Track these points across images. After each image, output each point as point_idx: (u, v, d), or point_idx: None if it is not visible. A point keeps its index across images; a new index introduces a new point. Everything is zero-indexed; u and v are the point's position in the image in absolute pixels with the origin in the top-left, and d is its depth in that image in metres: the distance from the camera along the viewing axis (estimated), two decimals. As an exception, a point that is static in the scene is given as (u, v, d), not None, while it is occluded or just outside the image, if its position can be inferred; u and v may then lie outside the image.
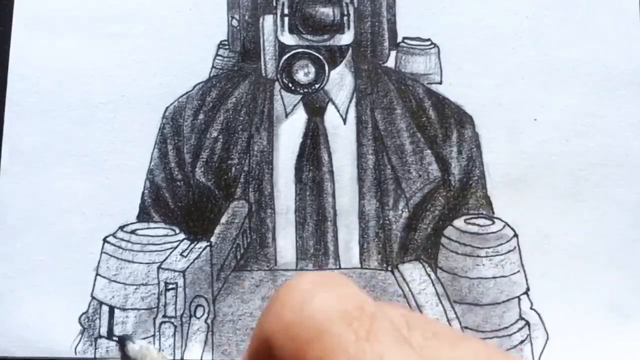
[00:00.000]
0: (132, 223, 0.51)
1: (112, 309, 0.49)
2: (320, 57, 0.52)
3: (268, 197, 0.52)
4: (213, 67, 0.53)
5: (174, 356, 0.49)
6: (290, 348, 0.23)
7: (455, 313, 0.50)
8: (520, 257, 0.51)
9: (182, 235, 0.51)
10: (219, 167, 0.52)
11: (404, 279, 0.50)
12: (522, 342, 0.50)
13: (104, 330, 0.49)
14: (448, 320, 0.49)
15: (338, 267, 0.51)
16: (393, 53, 0.54)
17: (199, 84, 0.53)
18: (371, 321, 0.23)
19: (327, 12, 0.53)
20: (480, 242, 0.51)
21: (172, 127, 0.52)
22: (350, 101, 0.53)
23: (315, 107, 0.53)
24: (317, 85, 0.53)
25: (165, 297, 0.49)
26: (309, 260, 0.51)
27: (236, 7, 0.54)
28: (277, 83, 0.53)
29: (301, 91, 0.53)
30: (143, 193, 0.51)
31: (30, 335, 0.49)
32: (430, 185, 0.52)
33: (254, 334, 0.28)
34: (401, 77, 0.54)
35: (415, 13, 0.54)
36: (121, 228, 0.51)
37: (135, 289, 0.50)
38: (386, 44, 0.54)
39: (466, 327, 0.49)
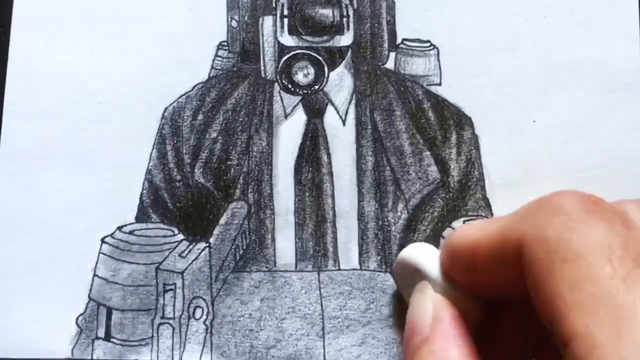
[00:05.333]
0: (130, 224, 0.51)
1: (109, 310, 0.49)
2: (320, 58, 0.52)
3: (267, 198, 0.51)
4: (212, 67, 0.53)
5: (172, 358, 0.48)
6: (542, 259, 0.23)
7: (454, 315, 0.49)
8: (519, 259, 0.51)
9: (180, 236, 0.51)
10: (218, 167, 0.52)
11: (403, 281, 0.50)
12: (520, 344, 0.50)
13: (101, 332, 0.49)
14: (447, 322, 0.49)
15: (337, 268, 0.51)
16: (392, 54, 0.54)
17: (198, 84, 0.53)
18: (635, 264, 0.22)
19: (326, 13, 0.53)
20: (479, 244, 0.51)
21: (171, 127, 0.52)
22: (349, 102, 0.53)
23: (315, 108, 0.53)
24: (316, 87, 0.53)
25: (164, 298, 0.49)
26: (309, 262, 0.51)
27: (236, 8, 0.54)
28: (276, 84, 0.53)
29: (300, 92, 0.53)
30: (141, 193, 0.51)
31: (26, 336, 0.49)
32: (429, 187, 0.52)
33: (500, 226, 0.27)
34: (400, 79, 0.54)
35: (414, 15, 0.54)
36: (119, 229, 0.51)
37: (133, 290, 0.49)
38: (385, 45, 0.54)
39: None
